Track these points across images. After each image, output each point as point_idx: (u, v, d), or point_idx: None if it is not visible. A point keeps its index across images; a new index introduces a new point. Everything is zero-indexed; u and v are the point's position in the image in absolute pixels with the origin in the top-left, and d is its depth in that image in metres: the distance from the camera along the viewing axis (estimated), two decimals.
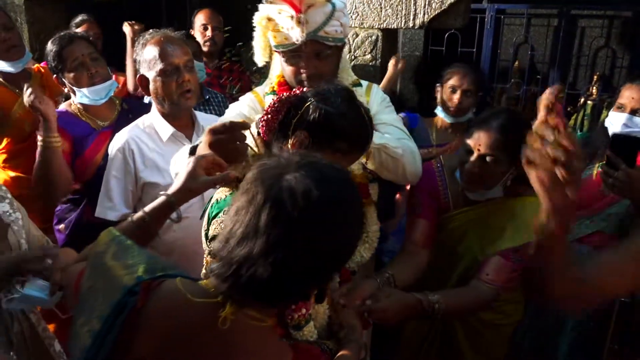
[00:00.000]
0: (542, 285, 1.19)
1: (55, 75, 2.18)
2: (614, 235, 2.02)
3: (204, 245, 1.44)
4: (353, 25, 2.94)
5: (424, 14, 2.76)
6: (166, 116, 1.98)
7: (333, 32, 1.60)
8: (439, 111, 2.71)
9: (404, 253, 1.91)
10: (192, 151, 1.47)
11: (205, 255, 1.44)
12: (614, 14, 3.84)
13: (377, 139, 1.58)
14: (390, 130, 1.74)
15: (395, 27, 2.86)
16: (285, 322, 1.19)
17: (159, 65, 1.87)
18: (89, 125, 2.18)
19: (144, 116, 2.05)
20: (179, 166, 1.56)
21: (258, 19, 1.64)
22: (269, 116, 1.33)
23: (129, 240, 1.09)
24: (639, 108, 2.03)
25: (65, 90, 2.23)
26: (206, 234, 1.41)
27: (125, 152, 1.92)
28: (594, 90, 3.81)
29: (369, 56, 2.97)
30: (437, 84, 2.74)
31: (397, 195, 2.89)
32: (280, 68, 1.77)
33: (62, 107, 2.23)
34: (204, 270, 1.44)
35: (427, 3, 2.74)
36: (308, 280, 0.97)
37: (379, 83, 3.05)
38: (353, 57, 3.01)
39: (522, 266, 1.76)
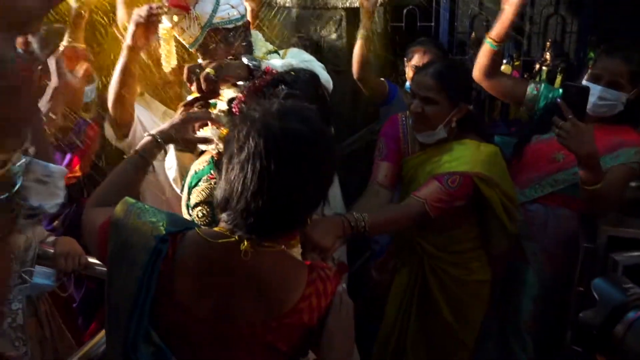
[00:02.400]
0: None
1: (41, 66, 2.18)
2: (568, 195, 2.13)
3: (185, 215, 1.54)
4: (318, 7, 3.03)
5: None
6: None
7: (227, 16, 1.71)
8: (407, 87, 2.83)
9: (367, 194, 2.07)
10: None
11: None
12: None
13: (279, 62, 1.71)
14: (291, 59, 1.84)
15: (357, 6, 2.96)
16: None
17: (145, 58, 1.96)
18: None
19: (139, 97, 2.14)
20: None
21: (162, 31, 1.73)
22: (243, 102, 1.43)
23: (146, 205, 1.21)
24: (615, 80, 2.00)
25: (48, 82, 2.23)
26: (187, 204, 1.52)
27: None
28: (548, 57, 4.01)
29: (334, 35, 3.07)
30: (405, 58, 2.85)
31: None
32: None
33: None
34: None
35: None
36: (311, 208, 1.14)
37: (346, 61, 3.15)
38: (319, 37, 3.10)
39: (454, 194, 1.88)
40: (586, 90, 1.83)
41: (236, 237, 1.09)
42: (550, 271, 2.21)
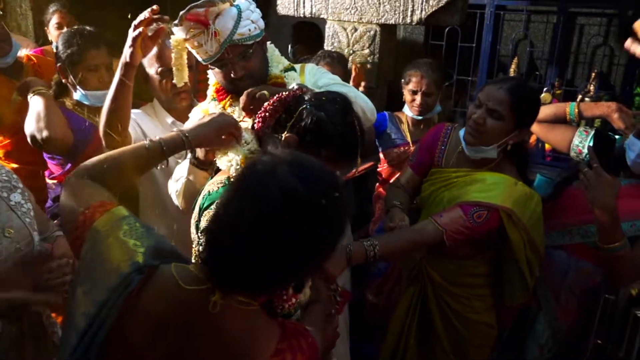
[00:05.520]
0: None
1: (59, 64, 2.19)
2: (597, 250, 1.92)
3: (193, 236, 1.49)
4: (352, 20, 2.97)
5: (422, 11, 2.79)
6: (165, 108, 2.07)
7: (247, 32, 1.62)
8: (406, 110, 2.75)
9: (391, 190, 2.14)
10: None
11: (194, 245, 1.48)
12: (612, 12, 3.85)
13: None
14: (334, 87, 1.77)
15: (393, 22, 2.89)
16: (275, 311, 1.25)
17: (156, 66, 1.94)
18: (87, 120, 2.22)
19: (148, 105, 2.13)
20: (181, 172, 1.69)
21: (175, 43, 1.66)
22: (267, 114, 1.38)
23: (137, 222, 1.12)
24: None
25: (63, 80, 2.25)
26: (197, 225, 1.46)
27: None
28: (592, 88, 3.83)
29: (367, 51, 3.00)
30: (402, 80, 2.76)
31: (379, 189, 2.93)
32: (214, 78, 1.80)
33: None
34: (193, 260, 1.48)
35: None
36: (287, 274, 1.03)
37: (377, 78, 3.08)
38: (351, 51, 3.03)
39: (476, 229, 1.78)
40: (612, 140, 1.73)
41: (208, 285, 1.01)
42: (563, 321, 2.08)
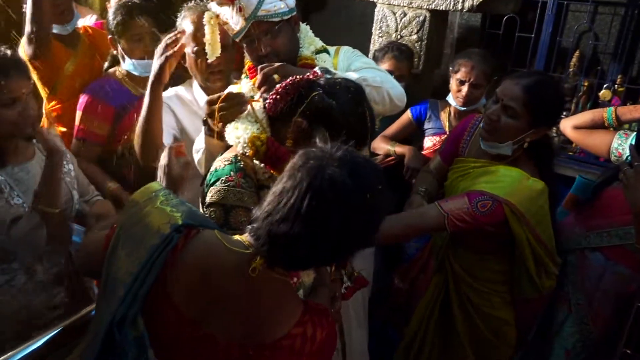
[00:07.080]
0: None
1: (110, 36, 2.29)
2: (636, 254, 1.88)
3: (201, 210, 1.54)
4: (402, 4, 2.92)
5: None
6: (201, 87, 2.10)
7: (273, 9, 1.62)
8: (450, 99, 2.67)
9: (422, 174, 2.18)
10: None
11: None
12: None
13: (354, 75, 1.63)
14: (364, 71, 1.76)
15: (444, 8, 2.82)
16: None
17: (192, 45, 1.95)
18: (130, 92, 2.30)
19: (187, 81, 2.17)
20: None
21: (207, 18, 1.68)
22: (278, 96, 1.38)
23: (171, 194, 1.26)
24: None
25: (115, 52, 2.34)
26: (203, 200, 1.50)
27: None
28: None
29: (415, 37, 2.94)
30: (451, 68, 2.68)
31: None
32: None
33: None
34: None
35: None
36: (334, 257, 1.17)
37: (424, 64, 3.01)
38: (399, 36, 2.99)
39: (480, 218, 1.74)
40: None
41: (251, 251, 1.10)
42: (594, 327, 2.00)
